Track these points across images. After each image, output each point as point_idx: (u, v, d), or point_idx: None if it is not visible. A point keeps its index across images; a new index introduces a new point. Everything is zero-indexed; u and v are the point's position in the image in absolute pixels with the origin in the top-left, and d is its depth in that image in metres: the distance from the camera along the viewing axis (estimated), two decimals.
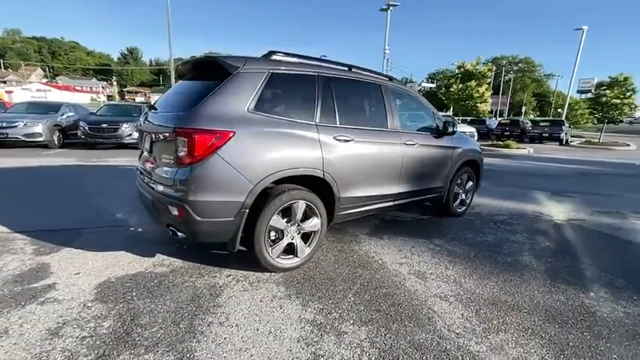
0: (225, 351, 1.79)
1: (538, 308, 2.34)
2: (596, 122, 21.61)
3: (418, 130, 3.67)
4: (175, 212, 2.22)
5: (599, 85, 19.13)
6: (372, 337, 1.95)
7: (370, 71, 3.39)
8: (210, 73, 2.46)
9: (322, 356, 1.78)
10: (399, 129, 3.35)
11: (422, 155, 3.57)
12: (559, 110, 34.32)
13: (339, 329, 2.02)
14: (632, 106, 18.39)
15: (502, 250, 3.38)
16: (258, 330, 1.97)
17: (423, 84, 53.24)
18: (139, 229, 3.48)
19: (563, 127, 19.76)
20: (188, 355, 1.74)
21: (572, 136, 22.52)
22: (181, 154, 2.15)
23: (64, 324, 1.93)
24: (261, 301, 2.28)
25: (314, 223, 2.73)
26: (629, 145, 18.67)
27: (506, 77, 62.24)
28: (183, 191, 2.16)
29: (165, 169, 2.31)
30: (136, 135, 10.05)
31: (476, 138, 13.83)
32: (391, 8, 19.11)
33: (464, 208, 4.52)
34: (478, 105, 16.36)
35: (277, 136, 2.43)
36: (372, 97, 3.25)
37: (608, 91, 18.12)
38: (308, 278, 2.62)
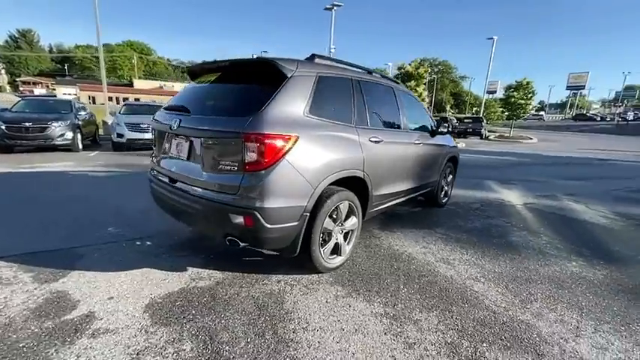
0: (326, 354, 1.82)
1: (546, 279, 2.82)
2: (505, 119, 25.41)
3: (419, 130, 4.00)
4: (239, 220, 2.12)
5: (508, 88, 22.55)
6: (443, 321, 2.17)
7: (381, 74, 3.59)
8: (260, 75, 2.38)
9: (414, 344, 1.93)
10: (408, 129, 3.63)
11: (425, 153, 3.92)
12: (475, 109, 39.15)
13: (413, 318, 2.19)
14: (533, 105, 22.12)
15: (492, 233, 3.92)
16: (343, 329, 2.03)
17: None
18: (147, 243, 3.15)
19: (483, 123, 22.81)
20: None
21: (488, 131, 26.09)
22: (250, 159, 2.06)
23: (138, 354, 1.74)
24: (327, 302, 2.32)
25: (353, 222, 2.83)
26: (531, 138, 22.44)
27: (429, 78, 69.04)
28: (252, 198, 2.08)
29: (226, 175, 2.17)
30: (69, 135, 8.75)
31: None
32: (335, 8, 19.63)
33: (446, 199, 5.06)
34: None
35: (330, 139, 2.47)
36: (389, 99, 3.45)
37: (515, 93, 21.48)
38: (356, 275, 2.72)
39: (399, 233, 3.76)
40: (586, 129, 37.14)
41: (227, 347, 1.82)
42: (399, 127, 3.47)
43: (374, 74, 3.32)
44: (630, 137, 27.71)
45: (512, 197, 5.80)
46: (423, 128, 4.08)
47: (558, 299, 2.50)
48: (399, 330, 2.05)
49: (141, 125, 9.38)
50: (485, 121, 23.74)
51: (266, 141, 2.04)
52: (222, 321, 2.05)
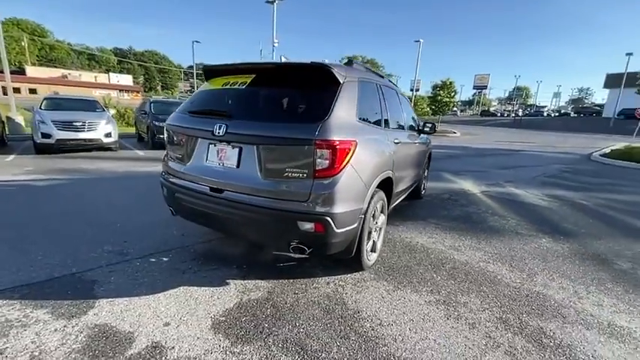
0: (413, 344, 1.97)
1: (533, 255, 3.39)
2: (430, 114, 28.26)
3: (412, 129, 4.34)
4: (308, 227, 2.11)
5: (435, 87, 25.13)
6: (484, 300, 2.49)
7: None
8: (312, 80, 2.35)
9: (475, 323, 2.21)
10: (408, 128, 3.92)
11: (419, 150, 4.28)
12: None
13: (460, 301, 2.46)
14: (455, 103, 25.07)
15: (474, 220, 4.49)
16: (412, 320, 2.20)
17: None
18: (164, 259, 2.86)
19: None
20: (403, 359, 1.84)
21: None
22: (321, 166, 2.07)
23: None
24: (382, 297, 2.46)
25: (383, 220, 3.01)
26: (455, 132, 25.42)
27: None
28: (323, 204, 2.09)
29: (293, 182, 2.13)
30: None
31: None
32: (277, 1, 19.30)
33: (424, 191, 5.57)
34: None
35: (374, 142, 2.59)
36: (396, 101, 3.68)
37: (441, 92, 24.04)
38: (391, 269, 2.90)
39: (402, 227, 4.05)
40: (492, 123, 43.34)
41: (323, 354, 1.84)
42: (403, 127, 3.74)
43: (385, 78, 3.51)
44: (525, 130, 33.28)
45: (469, 186, 6.64)
46: (413, 127, 4.43)
47: (551, 271, 3.05)
48: (456, 314, 2.30)
49: (74, 123, 8.07)
50: None
51: (337, 147, 2.07)
52: (301, 329, 2.04)
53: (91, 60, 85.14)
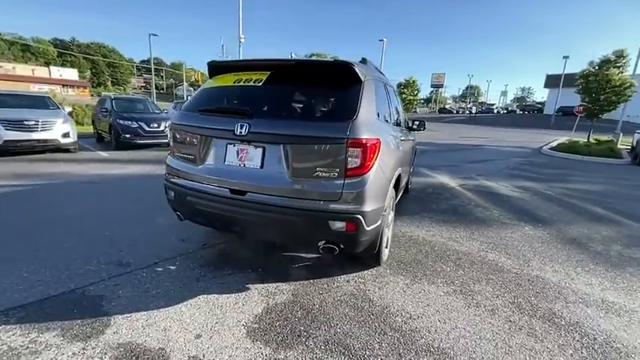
0: (446, 334, 2.05)
1: (521, 242, 3.67)
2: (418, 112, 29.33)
3: (405, 126, 4.46)
4: (339, 226, 2.10)
5: (399, 85, 26.07)
6: (495, 288, 2.65)
7: None
8: (333, 77, 2.32)
9: (493, 309, 2.34)
10: (404, 126, 4.03)
11: (411, 147, 4.42)
12: None
13: (474, 290, 2.60)
14: (417, 101, 26.19)
15: (461, 212, 4.75)
16: (438, 311, 2.29)
17: None
18: (171, 267, 2.68)
19: None
20: (442, 348, 1.90)
21: None
22: (352, 165, 2.06)
23: None
24: (404, 291, 2.53)
25: (392, 216, 3.07)
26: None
27: None
28: (355, 203, 2.09)
29: (324, 182, 2.09)
30: None
31: None
32: None
33: (411, 185, 5.77)
34: None
35: (392, 140, 2.63)
36: (395, 99, 3.76)
37: (405, 90, 24.99)
38: (402, 264, 2.98)
39: (399, 221, 4.16)
40: (450, 120, 45.91)
41: (367, 352, 1.85)
42: (400, 124, 3.84)
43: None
44: (479, 126, 35.67)
45: (447, 180, 6.99)
46: (406, 124, 4.56)
47: (541, 256, 3.33)
48: (474, 302, 2.43)
49: (26, 123, 7.22)
50: None
51: (368, 145, 2.08)
52: (338, 329, 2.03)
53: (26, 51, 76.41)
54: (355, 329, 2.04)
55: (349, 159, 2.06)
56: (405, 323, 2.13)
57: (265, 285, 2.49)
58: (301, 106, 2.34)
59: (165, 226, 3.50)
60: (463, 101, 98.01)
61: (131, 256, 2.82)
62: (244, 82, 2.48)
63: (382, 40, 29.85)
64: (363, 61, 2.77)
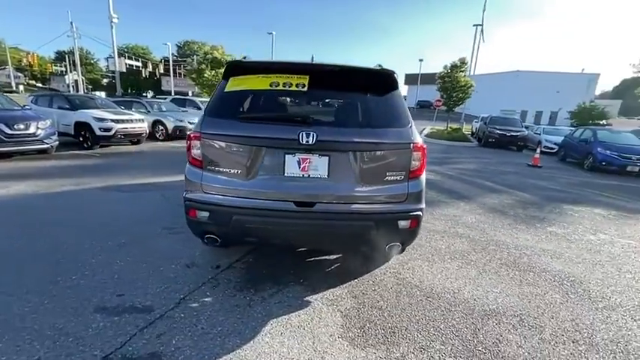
0: (497, 300, 2.52)
1: (470, 216, 4.61)
2: None
3: None
4: (405, 224, 2.27)
5: None
6: (482, 253, 3.33)
7: None
8: (374, 83, 2.41)
9: (488, 264, 2.98)
10: None
11: None
12: None
13: (474, 259, 3.21)
14: None
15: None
16: (479, 286, 2.76)
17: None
18: (205, 299, 2.30)
19: None
20: (465, 297, 2.35)
21: None
22: (414, 167, 2.25)
23: None
24: (441, 273, 2.90)
25: None
26: None
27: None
28: (417, 201, 2.30)
29: (393, 185, 2.20)
30: None
31: None
32: None
33: None
34: None
35: None
36: None
37: None
38: (421, 249, 3.36)
39: None
40: None
41: (443, 324, 2.13)
42: None
43: None
44: None
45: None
46: None
47: (486, 223, 4.29)
48: (479, 265, 3.02)
49: None
50: None
51: (424, 148, 2.30)
52: (414, 316, 2.24)
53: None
54: (425, 311, 2.29)
55: (412, 162, 2.24)
56: (445, 293, 2.51)
57: (320, 294, 2.45)
58: (357, 112, 2.36)
59: (141, 254, 2.91)
60: None
61: (141, 297, 2.27)
62: (284, 87, 2.32)
63: (271, 33, 29.88)
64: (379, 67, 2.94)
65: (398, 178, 2.24)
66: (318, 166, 2.15)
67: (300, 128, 2.10)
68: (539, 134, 15.48)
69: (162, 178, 5.75)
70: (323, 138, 2.09)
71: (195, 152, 2.22)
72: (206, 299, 2.31)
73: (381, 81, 2.44)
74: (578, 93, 34.11)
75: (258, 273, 2.71)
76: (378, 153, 2.19)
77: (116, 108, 10.05)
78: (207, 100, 16.15)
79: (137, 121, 9.65)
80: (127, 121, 9.33)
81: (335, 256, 3.05)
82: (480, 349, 1.97)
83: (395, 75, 2.41)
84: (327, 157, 2.15)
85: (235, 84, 2.38)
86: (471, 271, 2.97)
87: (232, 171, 2.17)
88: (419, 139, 2.29)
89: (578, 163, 11.23)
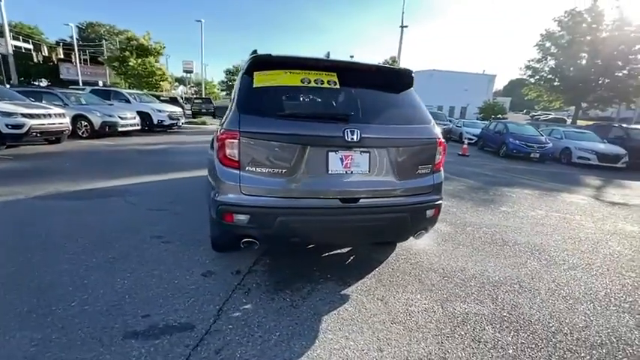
0: (514, 268, 2.91)
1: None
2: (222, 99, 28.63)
3: None
4: (431, 213, 2.48)
5: (228, 72, 25.42)
6: (461, 233, 3.79)
7: None
8: (397, 82, 2.53)
9: (506, 253, 3.43)
10: None
11: None
12: (194, 88, 39.32)
13: (460, 240, 3.63)
14: None
15: None
16: (472, 259, 3.13)
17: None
18: (246, 306, 2.18)
19: (214, 103, 24.56)
20: (467, 268, 2.72)
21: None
22: (437, 161, 2.45)
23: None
24: (463, 256, 3.20)
25: None
26: None
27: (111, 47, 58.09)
28: (438, 191, 2.52)
29: (422, 178, 2.37)
30: None
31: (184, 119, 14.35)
32: None
33: None
34: (161, 83, 16.34)
35: None
36: None
37: (235, 77, 24.79)
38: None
39: None
40: None
41: (452, 285, 2.43)
42: None
43: None
44: None
45: None
46: None
47: (459, 209, 4.84)
48: (462, 245, 3.44)
49: None
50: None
51: (445, 143, 2.53)
52: (444, 290, 2.48)
53: None
54: (449, 289, 2.56)
55: (437, 156, 2.45)
56: (456, 272, 2.84)
57: (353, 287, 2.52)
58: (387, 110, 2.44)
59: (141, 268, 2.60)
60: None
61: (172, 315, 2.04)
62: (315, 83, 2.29)
63: (200, 21, 27.81)
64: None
65: (426, 171, 2.43)
66: (360, 162, 2.20)
67: (344, 125, 2.12)
68: (460, 127, 17.68)
69: (112, 182, 5.04)
70: (366, 135, 2.15)
71: (231, 152, 2.07)
72: (245, 306, 2.19)
73: (402, 79, 2.58)
74: (481, 91, 39.71)
75: (283, 274, 2.65)
76: (412, 148, 2.34)
77: (25, 100, 8.32)
78: (140, 92, 14.28)
79: (57, 116, 8.17)
80: (44, 116, 7.81)
81: (346, 250, 3.14)
82: (504, 314, 2.30)
83: (412, 74, 2.58)
84: (368, 154, 2.21)
85: (263, 79, 2.26)
86: (464, 250, 3.36)
87: (275, 170, 2.08)
88: (441, 135, 2.51)
89: (493, 151, 13.21)
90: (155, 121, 12.53)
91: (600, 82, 26.30)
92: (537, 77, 29.47)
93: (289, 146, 2.08)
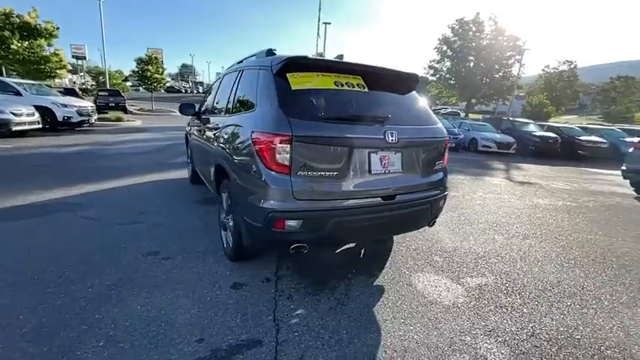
0: (470, 244, 3.43)
1: None
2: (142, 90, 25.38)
3: None
4: (442, 204, 2.80)
5: (140, 61, 22.40)
6: (462, 215, 4.32)
7: None
8: (405, 85, 2.74)
9: (470, 230, 3.99)
10: None
11: None
12: (101, 79, 33.32)
13: (461, 230, 4.14)
14: (165, 79, 24.05)
15: None
16: (476, 240, 3.61)
17: None
18: (299, 311, 2.16)
19: (124, 96, 21.54)
20: (473, 249, 3.24)
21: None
22: (446, 158, 2.77)
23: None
24: (448, 237, 3.60)
25: None
26: (174, 111, 24.66)
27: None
28: (445, 184, 2.84)
29: (436, 174, 2.65)
30: None
31: (95, 116, 12.31)
32: None
33: None
34: (59, 71, 13.65)
35: None
36: None
37: (150, 67, 22.10)
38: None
39: None
40: (186, 100, 45.08)
41: (461, 257, 2.87)
42: None
43: None
44: None
45: None
46: None
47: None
48: (469, 234, 3.96)
49: None
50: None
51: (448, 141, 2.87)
52: (478, 269, 2.85)
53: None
54: (472, 264, 2.95)
55: (445, 153, 2.77)
56: (467, 252, 3.28)
57: (382, 277, 2.69)
58: (409, 112, 2.62)
59: (157, 291, 2.34)
60: (183, 80, 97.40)
61: (228, 334, 1.89)
62: (347, 86, 2.35)
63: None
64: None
65: (439, 167, 2.73)
66: (395, 162, 2.36)
67: (382, 127, 2.25)
68: None
69: (47, 195, 4.16)
70: (401, 136, 2.32)
71: (281, 157, 2.00)
72: (298, 312, 2.17)
73: (411, 83, 2.80)
74: None
75: (312, 274, 2.67)
76: (432, 147, 2.60)
77: None
78: (35, 83, 11.71)
79: None
80: None
81: (352, 245, 3.30)
82: (504, 282, 2.78)
83: (416, 76, 2.83)
84: (401, 154, 2.39)
85: (299, 82, 2.23)
86: (447, 232, 3.85)
87: (327, 174, 2.10)
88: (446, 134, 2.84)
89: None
90: (60, 118, 10.43)
91: (484, 82, 31.55)
92: (437, 76, 33.82)
93: (339, 149, 2.11)
